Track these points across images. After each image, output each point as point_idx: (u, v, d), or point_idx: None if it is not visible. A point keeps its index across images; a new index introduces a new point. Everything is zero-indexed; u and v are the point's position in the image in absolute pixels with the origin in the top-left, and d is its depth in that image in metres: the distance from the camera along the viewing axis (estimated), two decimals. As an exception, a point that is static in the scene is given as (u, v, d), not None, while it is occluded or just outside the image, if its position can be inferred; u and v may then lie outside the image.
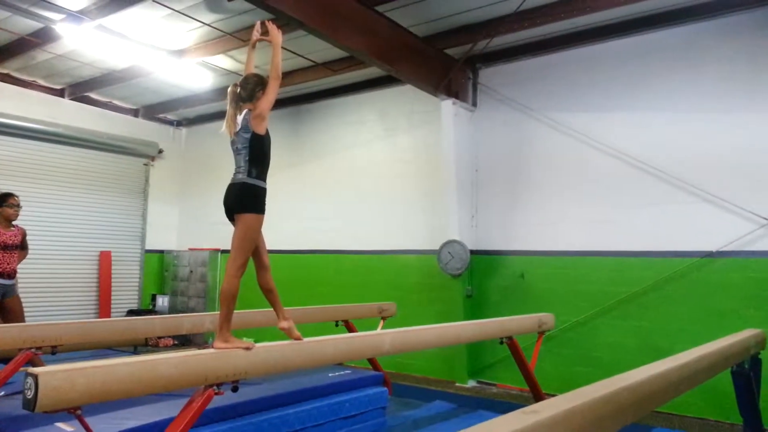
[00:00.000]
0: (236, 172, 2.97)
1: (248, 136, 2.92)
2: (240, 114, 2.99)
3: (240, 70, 8.43)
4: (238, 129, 2.96)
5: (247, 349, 2.82)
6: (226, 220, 3.01)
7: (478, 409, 5.39)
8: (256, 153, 2.92)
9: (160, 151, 10.88)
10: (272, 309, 3.08)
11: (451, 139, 7.16)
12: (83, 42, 7.45)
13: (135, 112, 10.77)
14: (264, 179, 2.97)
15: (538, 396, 4.86)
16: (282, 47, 3.17)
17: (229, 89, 3.04)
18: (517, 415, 1.67)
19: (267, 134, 3.00)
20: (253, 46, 3.29)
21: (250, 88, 2.98)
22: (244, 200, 2.90)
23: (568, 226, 6.68)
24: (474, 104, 7.55)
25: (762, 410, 4.16)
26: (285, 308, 3.10)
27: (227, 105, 3.02)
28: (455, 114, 7.17)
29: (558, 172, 6.84)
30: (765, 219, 5.52)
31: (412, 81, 6.96)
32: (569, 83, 6.85)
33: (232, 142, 2.99)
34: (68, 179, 9.67)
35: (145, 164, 10.78)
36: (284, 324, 3.08)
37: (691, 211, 5.92)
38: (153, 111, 10.71)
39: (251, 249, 2.93)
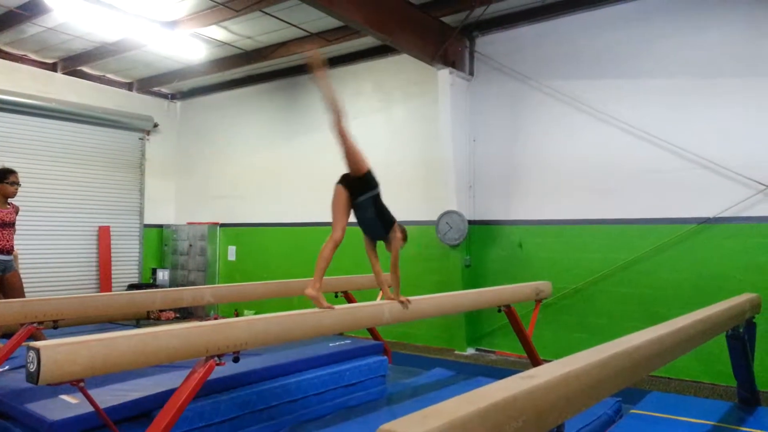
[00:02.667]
0: None
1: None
2: None
3: (234, 41, 8.32)
4: None
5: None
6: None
7: (477, 375, 5.44)
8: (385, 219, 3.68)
9: (156, 125, 10.78)
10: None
11: (448, 108, 7.10)
12: (74, 14, 7.31)
13: (129, 86, 10.65)
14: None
15: (535, 362, 4.92)
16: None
17: None
18: (515, 380, 1.69)
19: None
20: (373, 253, 3.88)
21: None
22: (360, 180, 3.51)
23: (566, 194, 6.68)
24: (471, 73, 7.47)
25: (755, 373, 4.23)
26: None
27: None
28: (452, 83, 7.10)
29: (555, 140, 6.81)
30: (762, 184, 5.52)
31: (407, 50, 6.87)
32: (567, 50, 6.77)
33: None
34: (63, 155, 9.60)
35: (140, 138, 10.70)
36: (308, 291, 3.28)
37: (689, 178, 5.91)
38: (147, 84, 10.59)
39: (334, 211, 3.48)
